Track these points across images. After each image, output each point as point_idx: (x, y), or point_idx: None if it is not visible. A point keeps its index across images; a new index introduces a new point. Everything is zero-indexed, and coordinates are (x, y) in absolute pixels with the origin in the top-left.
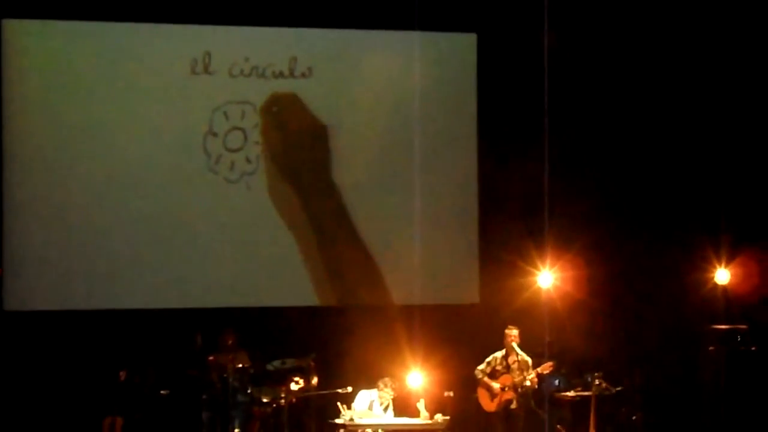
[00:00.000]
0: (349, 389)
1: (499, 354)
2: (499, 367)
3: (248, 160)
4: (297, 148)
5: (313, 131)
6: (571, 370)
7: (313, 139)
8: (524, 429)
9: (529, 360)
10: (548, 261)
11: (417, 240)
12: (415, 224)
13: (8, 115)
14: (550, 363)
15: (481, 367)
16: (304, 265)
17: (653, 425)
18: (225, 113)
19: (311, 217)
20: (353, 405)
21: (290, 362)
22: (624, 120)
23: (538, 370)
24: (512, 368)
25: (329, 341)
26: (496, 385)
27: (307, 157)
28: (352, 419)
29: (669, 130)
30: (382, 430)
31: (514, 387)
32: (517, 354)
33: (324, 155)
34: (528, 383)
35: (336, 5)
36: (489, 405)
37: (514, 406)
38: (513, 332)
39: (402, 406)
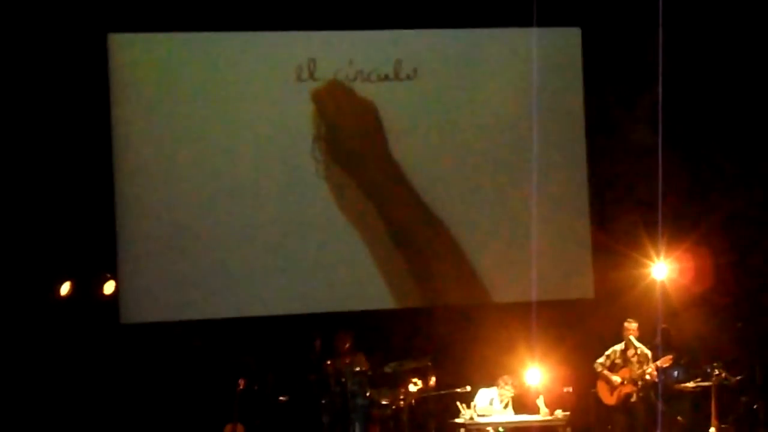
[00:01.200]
0: (468, 388)
1: (618, 347)
2: (618, 361)
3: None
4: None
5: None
6: (691, 361)
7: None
8: (645, 422)
9: (649, 353)
10: (663, 252)
11: (529, 235)
12: (527, 220)
13: (117, 130)
14: (669, 356)
15: (601, 360)
16: (413, 267)
17: None
18: None
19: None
20: (474, 403)
21: (408, 364)
22: (740, 104)
23: (658, 363)
24: (631, 361)
25: (446, 341)
26: (615, 379)
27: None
28: (472, 418)
29: None
30: (502, 428)
31: (634, 380)
32: (636, 347)
33: (381, 136)
34: (648, 377)
35: (436, 5)
36: (608, 398)
37: (633, 399)
38: (632, 325)
39: (521, 403)
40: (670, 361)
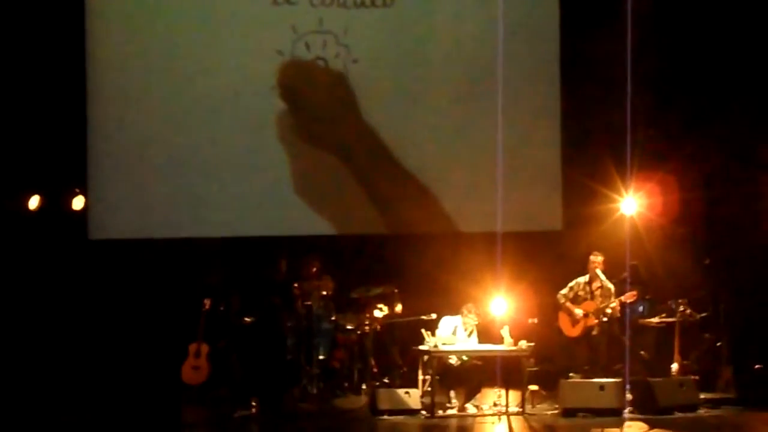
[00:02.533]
0: (433, 316)
1: (582, 279)
2: (581, 293)
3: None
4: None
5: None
6: (656, 296)
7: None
8: (606, 355)
9: (612, 287)
10: (632, 187)
11: (499, 167)
12: (497, 151)
13: (91, 49)
14: (633, 292)
15: (564, 291)
16: (382, 192)
17: (737, 351)
18: (306, 43)
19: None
20: (437, 331)
21: (374, 290)
22: (709, 38)
23: (622, 298)
24: (595, 295)
25: (413, 269)
26: (578, 311)
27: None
28: (436, 346)
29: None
30: (466, 356)
31: (597, 313)
32: (601, 281)
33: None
34: (609, 311)
35: None
36: (570, 330)
37: (595, 332)
38: (598, 259)
39: (486, 333)
40: (634, 297)
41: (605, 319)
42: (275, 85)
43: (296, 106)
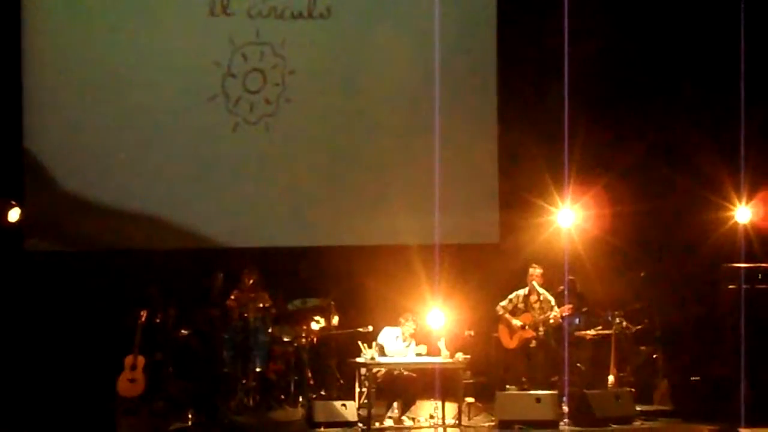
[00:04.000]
0: (370, 328)
1: (521, 292)
2: (520, 305)
3: (267, 102)
4: None
5: None
6: (592, 309)
7: None
8: (543, 367)
9: (552, 299)
10: (568, 200)
11: (436, 180)
12: (435, 164)
13: (28, 57)
14: (569, 305)
15: (503, 303)
16: (320, 205)
17: (673, 364)
18: (243, 55)
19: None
20: (379, 342)
21: (311, 302)
22: (646, 49)
23: (557, 313)
24: (533, 307)
25: (350, 281)
26: (516, 323)
27: None
28: (373, 358)
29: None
30: (403, 368)
31: (535, 325)
32: (539, 293)
33: None
34: (552, 321)
35: None
36: (509, 342)
37: (533, 344)
38: (536, 271)
39: (423, 344)
40: (570, 311)
41: (542, 330)
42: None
43: None
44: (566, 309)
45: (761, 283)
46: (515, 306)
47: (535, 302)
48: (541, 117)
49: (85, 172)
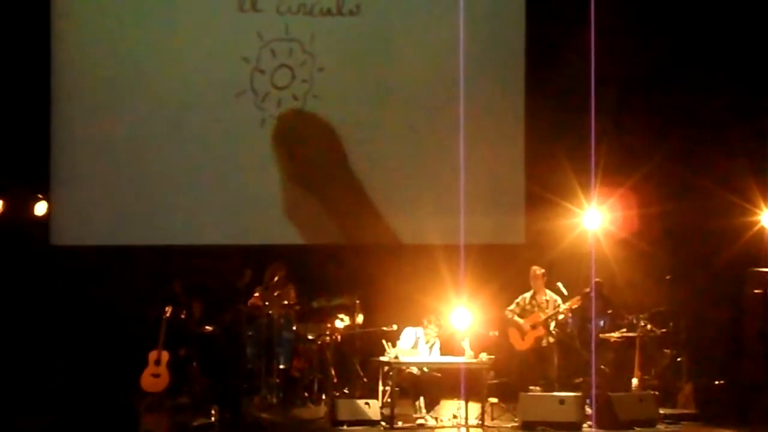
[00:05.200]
0: (395, 327)
1: (527, 294)
2: (528, 307)
3: (295, 98)
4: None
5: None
6: (617, 311)
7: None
8: (559, 367)
9: (558, 299)
10: (594, 201)
11: (462, 180)
12: (461, 164)
13: (57, 51)
14: (577, 298)
15: (511, 307)
16: (346, 203)
17: (697, 367)
18: (272, 50)
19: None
20: (398, 343)
21: (336, 300)
22: (674, 51)
23: (568, 305)
24: (542, 307)
25: (375, 280)
26: (525, 324)
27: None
28: (397, 357)
29: (720, 60)
30: (426, 367)
31: (545, 323)
32: (545, 293)
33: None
34: (561, 316)
35: None
36: (520, 344)
37: (545, 343)
38: (538, 272)
39: (447, 345)
40: (579, 302)
41: (554, 328)
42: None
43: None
44: (575, 301)
45: None
46: (523, 308)
47: (543, 302)
48: (568, 118)
49: (112, 167)
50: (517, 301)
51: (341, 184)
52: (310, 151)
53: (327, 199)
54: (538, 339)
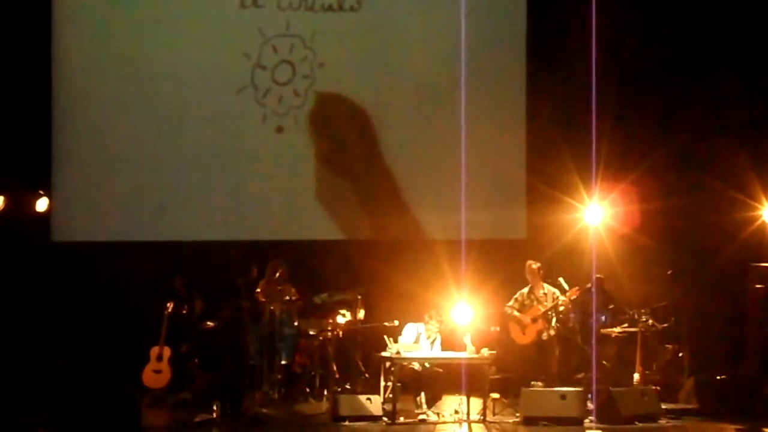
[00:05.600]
0: (396, 323)
1: (525, 290)
2: (527, 302)
3: (296, 94)
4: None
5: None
6: (618, 306)
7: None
8: (560, 361)
9: (557, 291)
10: (595, 197)
11: (463, 175)
12: (462, 159)
13: (58, 48)
14: (576, 288)
15: (510, 303)
16: (348, 198)
17: (699, 362)
18: (274, 47)
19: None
20: (400, 338)
21: (337, 295)
22: (676, 47)
23: (567, 295)
24: (541, 300)
25: (377, 275)
26: (525, 317)
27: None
28: (398, 352)
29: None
30: (428, 363)
31: (545, 316)
32: (543, 287)
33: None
34: (562, 308)
35: None
36: (521, 338)
37: (545, 337)
38: (534, 266)
39: (449, 340)
40: (578, 292)
41: (555, 321)
42: None
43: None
44: (573, 292)
45: None
46: (522, 303)
47: (542, 296)
48: (570, 113)
49: (113, 163)
50: (515, 296)
51: (372, 170)
52: (343, 133)
53: (357, 183)
54: (539, 332)
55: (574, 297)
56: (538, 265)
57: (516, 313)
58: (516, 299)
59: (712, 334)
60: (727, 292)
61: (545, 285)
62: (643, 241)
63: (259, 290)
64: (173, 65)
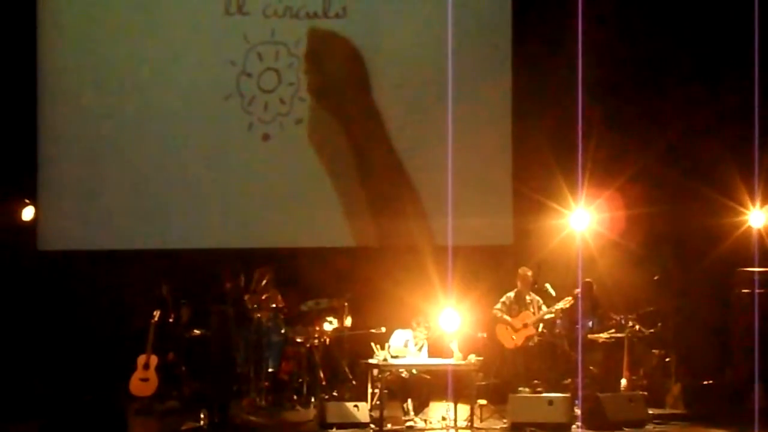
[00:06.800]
0: (383, 330)
1: (511, 294)
2: (514, 306)
3: (282, 101)
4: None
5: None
6: (605, 311)
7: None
8: (547, 367)
9: (540, 300)
10: (582, 202)
11: (450, 181)
12: (448, 166)
13: (43, 53)
14: (569, 298)
15: (498, 306)
16: (341, 204)
17: (686, 367)
18: (259, 54)
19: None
20: (390, 342)
21: (324, 303)
22: (660, 52)
23: (561, 305)
24: (526, 306)
25: (363, 282)
26: (517, 322)
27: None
28: (385, 359)
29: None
30: (415, 369)
31: (535, 323)
32: (530, 294)
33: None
34: (552, 315)
35: None
36: (509, 342)
37: (532, 343)
38: (528, 273)
39: (436, 347)
40: (571, 302)
41: (542, 328)
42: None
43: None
44: (567, 302)
45: None
46: (509, 307)
47: (529, 303)
48: (556, 119)
49: (99, 172)
50: (502, 300)
51: (358, 178)
52: (335, 69)
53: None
54: (528, 338)
55: (567, 306)
56: (531, 272)
57: (506, 317)
58: (503, 302)
59: (699, 339)
60: (713, 298)
61: (532, 294)
62: (630, 246)
63: (245, 298)
64: (159, 73)
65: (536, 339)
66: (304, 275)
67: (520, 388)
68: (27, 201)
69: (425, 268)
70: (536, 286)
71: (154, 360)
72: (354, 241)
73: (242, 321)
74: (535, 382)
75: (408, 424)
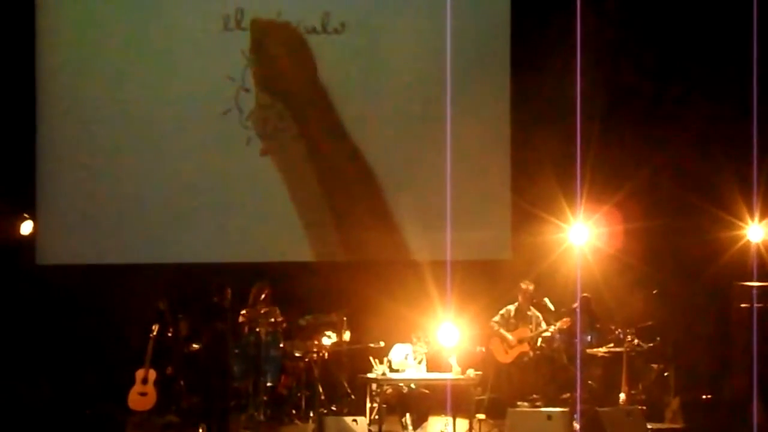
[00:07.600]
0: (382, 344)
1: (511, 307)
2: (512, 320)
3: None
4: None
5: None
6: (604, 326)
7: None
8: (546, 381)
9: (540, 315)
10: (580, 217)
11: (449, 196)
12: (447, 180)
13: (42, 71)
14: (566, 319)
15: (496, 318)
16: (332, 220)
17: (684, 382)
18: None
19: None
20: (388, 358)
21: (322, 317)
22: (659, 65)
23: (558, 326)
24: (525, 321)
25: (362, 296)
26: (512, 338)
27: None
28: (384, 374)
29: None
30: (414, 383)
31: (532, 340)
32: (530, 309)
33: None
34: (548, 334)
35: None
36: (504, 357)
37: (526, 359)
38: (530, 287)
39: (434, 361)
40: (567, 323)
41: (540, 343)
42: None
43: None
44: (564, 322)
45: None
46: (507, 321)
47: (527, 317)
48: (555, 134)
49: (98, 186)
50: (501, 312)
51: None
52: (282, 59)
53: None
54: (522, 354)
55: (565, 327)
56: (533, 287)
57: (502, 331)
58: (502, 315)
59: (697, 353)
60: (712, 312)
61: (531, 307)
62: (628, 260)
63: (243, 312)
64: (158, 88)
65: (531, 355)
66: (303, 290)
67: (519, 403)
68: (26, 215)
69: (424, 282)
70: (535, 300)
71: (152, 374)
72: (352, 255)
73: (240, 336)
74: (534, 396)
75: None
